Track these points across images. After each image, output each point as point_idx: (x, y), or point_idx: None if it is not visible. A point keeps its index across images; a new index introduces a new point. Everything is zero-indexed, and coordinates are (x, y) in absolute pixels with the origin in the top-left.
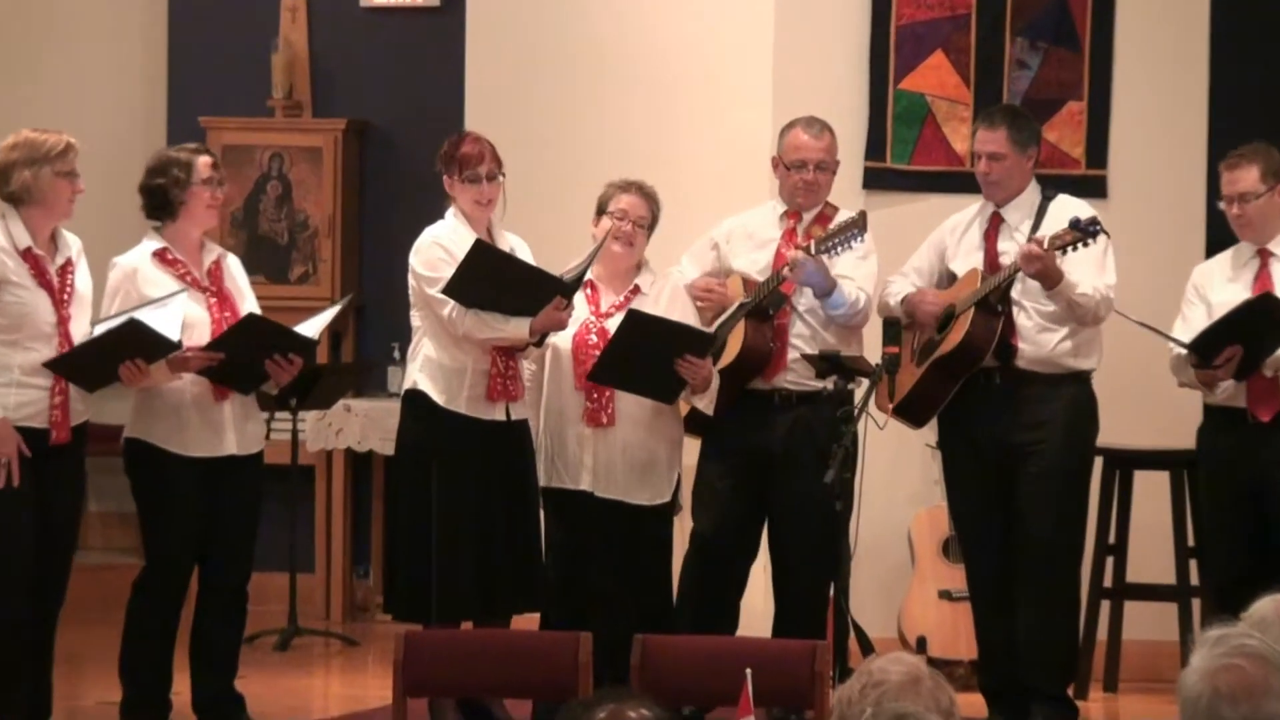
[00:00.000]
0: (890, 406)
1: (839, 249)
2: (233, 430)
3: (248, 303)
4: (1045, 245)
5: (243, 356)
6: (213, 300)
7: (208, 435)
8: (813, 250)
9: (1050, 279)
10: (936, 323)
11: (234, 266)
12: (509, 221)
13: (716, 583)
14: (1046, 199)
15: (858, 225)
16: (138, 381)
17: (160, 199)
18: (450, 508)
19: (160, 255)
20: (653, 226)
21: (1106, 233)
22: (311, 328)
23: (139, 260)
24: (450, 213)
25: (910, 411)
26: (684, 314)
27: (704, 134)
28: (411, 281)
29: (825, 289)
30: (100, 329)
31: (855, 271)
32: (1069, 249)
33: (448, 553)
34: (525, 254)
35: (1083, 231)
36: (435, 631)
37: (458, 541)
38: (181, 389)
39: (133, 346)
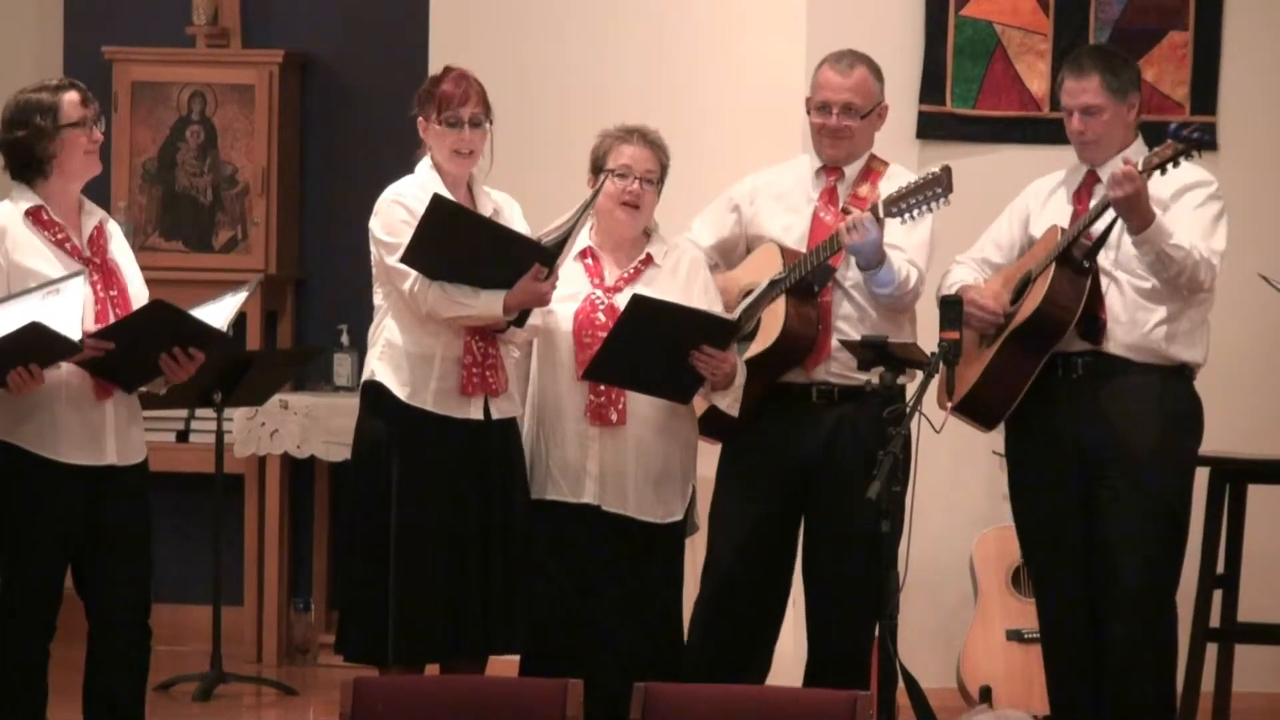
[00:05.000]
0: (950, 404)
1: (915, 212)
2: (113, 436)
3: (134, 279)
4: (1140, 165)
5: (136, 348)
6: (95, 276)
7: (85, 441)
8: (880, 212)
9: (1139, 214)
10: (997, 320)
11: (116, 234)
12: (490, 179)
13: (740, 629)
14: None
15: (942, 183)
16: (27, 389)
17: (24, 155)
18: (412, 524)
19: (34, 215)
20: (661, 181)
21: (1213, 145)
22: (215, 315)
23: (8, 219)
24: (423, 165)
25: (978, 407)
26: (705, 290)
27: (724, 72)
28: (373, 250)
29: (874, 261)
30: None
31: (905, 239)
32: (1170, 165)
33: (409, 580)
34: (515, 215)
35: (1185, 140)
36: (392, 677)
37: (421, 566)
38: (56, 382)
39: (29, 351)
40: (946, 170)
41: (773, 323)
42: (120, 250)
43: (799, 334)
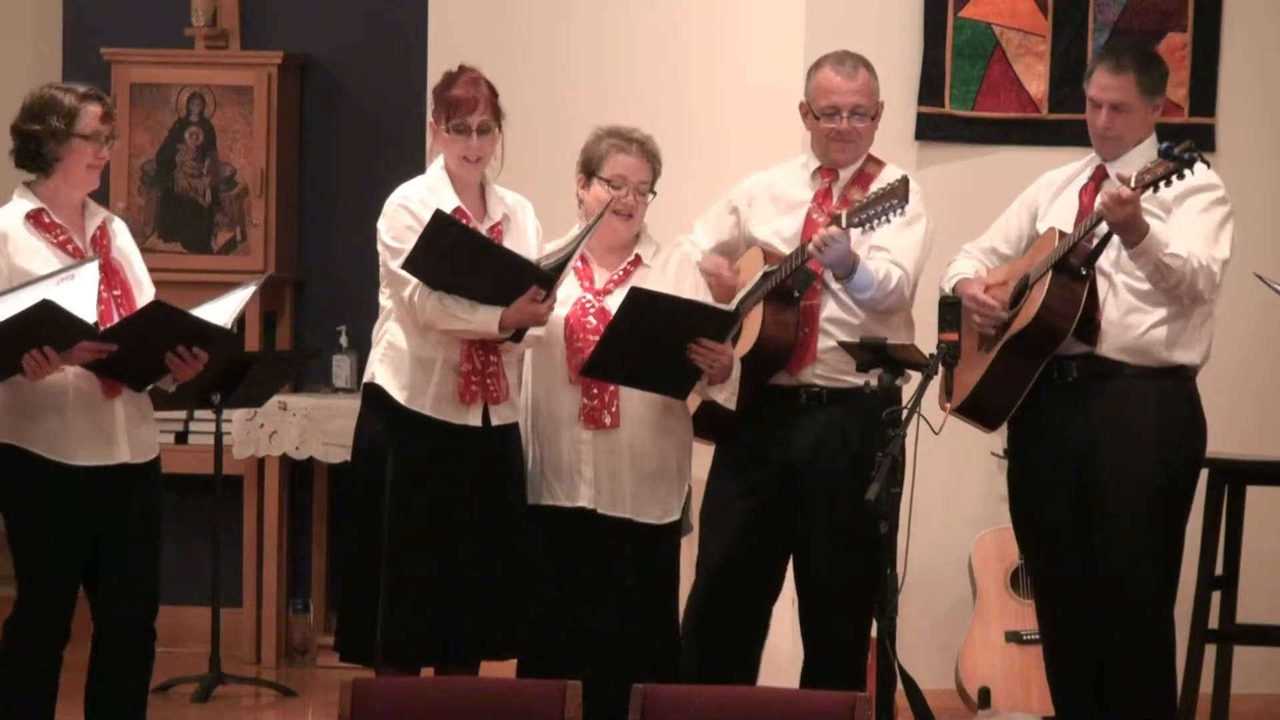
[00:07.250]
0: (951, 405)
1: (876, 222)
2: (125, 434)
3: (139, 278)
4: (1133, 183)
5: (139, 349)
6: (99, 275)
7: (96, 440)
8: (843, 222)
9: (1133, 230)
10: (999, 317)
11: (122, 232)
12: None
13: (730, 624)
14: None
15: (898, 194)
16: (43, 374)
17: (32, 149)
18: (406, 526)
19: (35, 217)
20: (653, 189)
21: (1205, 160)
22: (219, 313)
23: (9, 223)
24: (435, 165)
25: (978, 410)
26: (695, 289)
27: (721, 72)
28: (380, 252)
29: (846, 268)
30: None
31: (893, 241)
32: (1163, 183)
33: (400, 581)
34: (527, 216)
35: (1177, 160)
36: (390, 679)
37: (410, 568)
38: (63, 385)
39: (42, 333)
40: (904, 180)
41: (750, 329)
42: (125, 248)
43: (776, 340)
